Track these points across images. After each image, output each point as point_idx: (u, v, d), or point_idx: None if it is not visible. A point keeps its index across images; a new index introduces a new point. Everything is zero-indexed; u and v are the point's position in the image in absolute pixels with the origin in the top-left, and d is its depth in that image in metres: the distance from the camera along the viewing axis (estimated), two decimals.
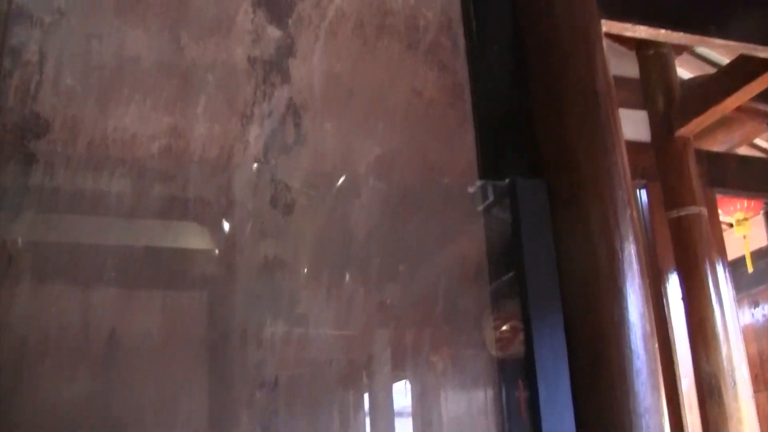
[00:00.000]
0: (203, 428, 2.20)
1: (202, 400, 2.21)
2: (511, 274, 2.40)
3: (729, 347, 3.70)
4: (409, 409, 2.42)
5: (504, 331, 2.39)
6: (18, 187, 2.21)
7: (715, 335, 3.68)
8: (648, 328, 2.29)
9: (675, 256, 3.93)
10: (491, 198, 2.47)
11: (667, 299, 3.93)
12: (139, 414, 2.14)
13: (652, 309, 2.38)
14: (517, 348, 2.33)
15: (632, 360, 2.22)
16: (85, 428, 2.11)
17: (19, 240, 2.19)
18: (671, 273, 4.03)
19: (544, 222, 2.36)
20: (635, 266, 2.33)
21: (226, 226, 2.34)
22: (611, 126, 2.49)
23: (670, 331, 3.82)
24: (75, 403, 2.11)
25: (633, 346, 2.24)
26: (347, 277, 2.38)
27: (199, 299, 2.31)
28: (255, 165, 2.37)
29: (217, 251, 2.35)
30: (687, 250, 3.88)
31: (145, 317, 2.22)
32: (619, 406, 2.19)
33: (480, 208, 2.49)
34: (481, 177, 2.51)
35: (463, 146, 2.57)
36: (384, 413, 2.41)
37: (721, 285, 3.90)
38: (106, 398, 2.13)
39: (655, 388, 2.26)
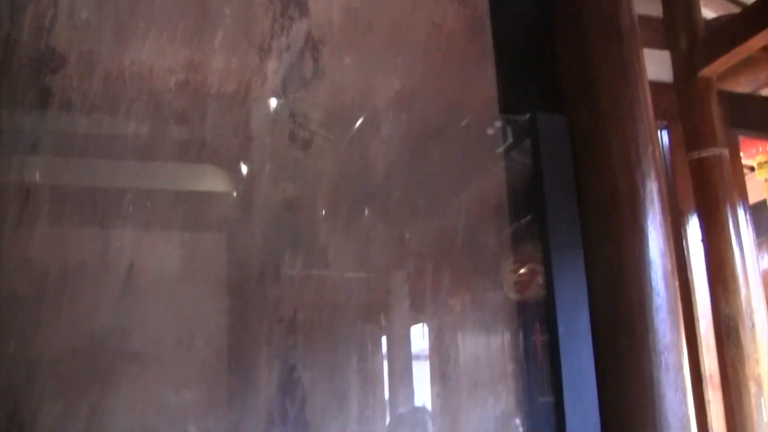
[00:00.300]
0: (222, 362, 2.21)
1: (221, 334, 2.22)
2: (529, 216, 2.38)
3: (748, 290, 3.68)
4: (427, 347, 2.43)
5: (522, 273, 2.38)
6: (34, 122, 2.20)
7: (734, 277, 3.66)
8: (669, 265, 2.28)
9: (695, 198, 3.89)
10: (512, 134, 2.44)
11: (686, 241, 3.91)
12: (158, 347, 2.15)
13: (673, 247, 2.37)
14: (536, 290, 2.33)
15: (652, 297, 2.21)
16: (105, 360, 2.12)
17: (37, 175, 2.19)
18: (691, 215, 4.00)
19: (564, 157, 2.34)
20: (656, 203, 2.31)
21: (244, 161, 2.33)
22: (634, 61, 2.45)
23: (689, 272, 3.80)
24: (94, 336, 2.12)
25: (653, 284, 2.23)
26: (366, 212, 2.37)
27: (218, 234, 2.30)
28: (273, 99, 2.35)
29: (234, 186, 2.34)
30: (707, 192, 3.84)
31: (163, 252, 2.22)
32: (638, 343, 2.19)
33: (501, 145, 2.47)
34: (501, 112, 2.48)
35: (483, 81, 2.54)
36: (402, 349, 2.41)
37: (742, 228, 3.87)
38: (125, 331, 2.14)
39: (675, 325, 2.25)
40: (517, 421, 2.33)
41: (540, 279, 2.31)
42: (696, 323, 3.66)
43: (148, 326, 2.15)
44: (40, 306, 2.12)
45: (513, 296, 2.39)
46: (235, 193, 2.34)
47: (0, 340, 2.07)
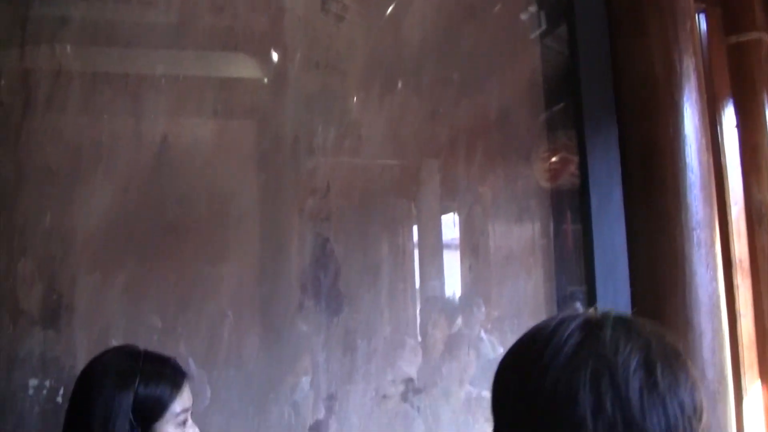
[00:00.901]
0: (255, 233, 2.23)
1: (255, 205, 2.23)
2: (563, 104, 2.35)
3: None
4: (458, 224, 2.43)
5: (555, 161, 2.37)
6: None
7: (767, 163, 3.61)
8: (703, 142, 2.25)
9: (731, 83, 3.81)
10: (546, 20, 2.40)
11: (721, 127, 3.84)
12: (192, 218, 2.17)
13: (708, 124, 2.33)
14: (568, 179, 2.32)
15: (686, 173, 2.19)
16: (139, 231, 2.14)
17: (68, 47, 2.18)
18: (727, 101, 3.93)
19: (601, 33, 2.30)
20: (693, 79, 2.26)
21: (277, 33, 2.30)
22: None
23: (722, 158, 3.75)
24: (128, 208, 2.14)
25: (687, 160, 2.20)
26: (399, 84, 2.34)
27: (251, 106, 2.30)
28: None
29: (267, 58, 2.32)
30: (744, 78, 3.75)
31: (197, 124, 2.22)
32: (671, 219, 2.18)
33: (535, 30, 2.42)
34: None
35: None
36: (433, 223, 2.42)
37: None
38: (159, 203, 2.16)
39: (708, 202, 2.23)
40: (547, 306, 2.35)
41: (572, 168, 2.30)
42: (728, 209, 3.62)
43: (183, 199, 2.17)
44: (75, 179, 2.14)
45: (544, 184, 2.38)
46: (267, 65, 2.32)
47: (36, 214, 2.10)
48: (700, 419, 0.90)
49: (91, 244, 2.13)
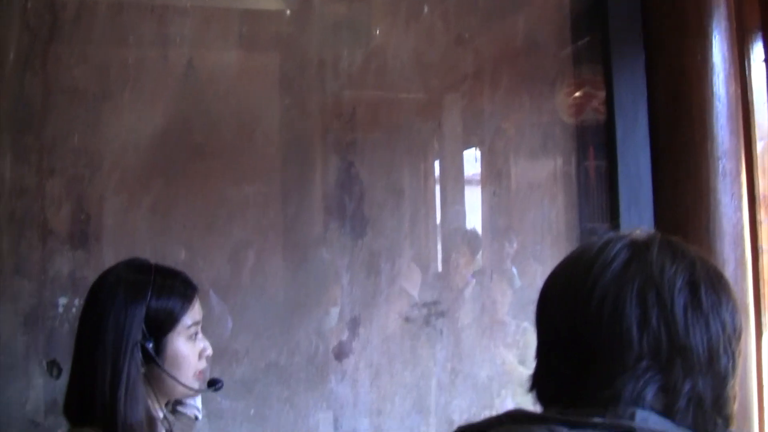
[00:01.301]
0: (281, 156, 2.25)
1: (280, 128, 2.24)
2: (588, 38, 2.33)
3: None
4: (481, 145, 2.42)
5: (578, 96, 2.35)
6: None
7: None
8: (731, 71, 2.23)
9: (761, 16, 3.76)
10: None
11: (749, 61, 3.80)
12: (218, 141, 2.18)
13: (737, 54, 2.30)
14: (591, 114, 2.30)
15: (713, 102, 2.17)
16: (165, 153, 2.16)
17: None
18: (756, 34, 3.88)
19: None
20: (723, 7, 2.23)
21: None
22: None
23: (749, 93, 3.71)
24: (155, 130, 2.15)
25: (714, 89, 2.18)
26: (426, 9, 2.33)
27: (276, 29, 2.29)
28: None
29: None
30: None
31: (222, 47, 2.22)
32: (697, 148, 2.16)
33: None
34: None
35: None
36: (457, 148, 2.41)
37: None
38: (185, 126, 2.17)
39: (734, 133, 2.22)
40: (569, 234, 2.35)
41: (595, 103, 2.28)
42: (753, 144, 3.60)
43: (209, 121, 2.18)
44: (102, 101, 2.15)
45: (567, 119, 2.37)
46: None
47: (64, 135, 2.12)
48: (738, 339, 0.94)
49: (118, 166, 2.15)
